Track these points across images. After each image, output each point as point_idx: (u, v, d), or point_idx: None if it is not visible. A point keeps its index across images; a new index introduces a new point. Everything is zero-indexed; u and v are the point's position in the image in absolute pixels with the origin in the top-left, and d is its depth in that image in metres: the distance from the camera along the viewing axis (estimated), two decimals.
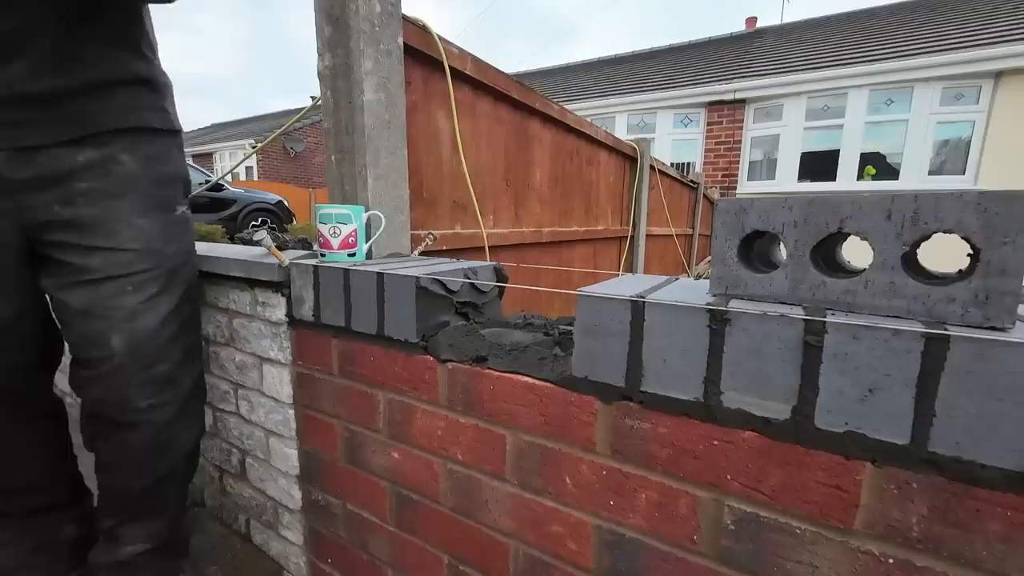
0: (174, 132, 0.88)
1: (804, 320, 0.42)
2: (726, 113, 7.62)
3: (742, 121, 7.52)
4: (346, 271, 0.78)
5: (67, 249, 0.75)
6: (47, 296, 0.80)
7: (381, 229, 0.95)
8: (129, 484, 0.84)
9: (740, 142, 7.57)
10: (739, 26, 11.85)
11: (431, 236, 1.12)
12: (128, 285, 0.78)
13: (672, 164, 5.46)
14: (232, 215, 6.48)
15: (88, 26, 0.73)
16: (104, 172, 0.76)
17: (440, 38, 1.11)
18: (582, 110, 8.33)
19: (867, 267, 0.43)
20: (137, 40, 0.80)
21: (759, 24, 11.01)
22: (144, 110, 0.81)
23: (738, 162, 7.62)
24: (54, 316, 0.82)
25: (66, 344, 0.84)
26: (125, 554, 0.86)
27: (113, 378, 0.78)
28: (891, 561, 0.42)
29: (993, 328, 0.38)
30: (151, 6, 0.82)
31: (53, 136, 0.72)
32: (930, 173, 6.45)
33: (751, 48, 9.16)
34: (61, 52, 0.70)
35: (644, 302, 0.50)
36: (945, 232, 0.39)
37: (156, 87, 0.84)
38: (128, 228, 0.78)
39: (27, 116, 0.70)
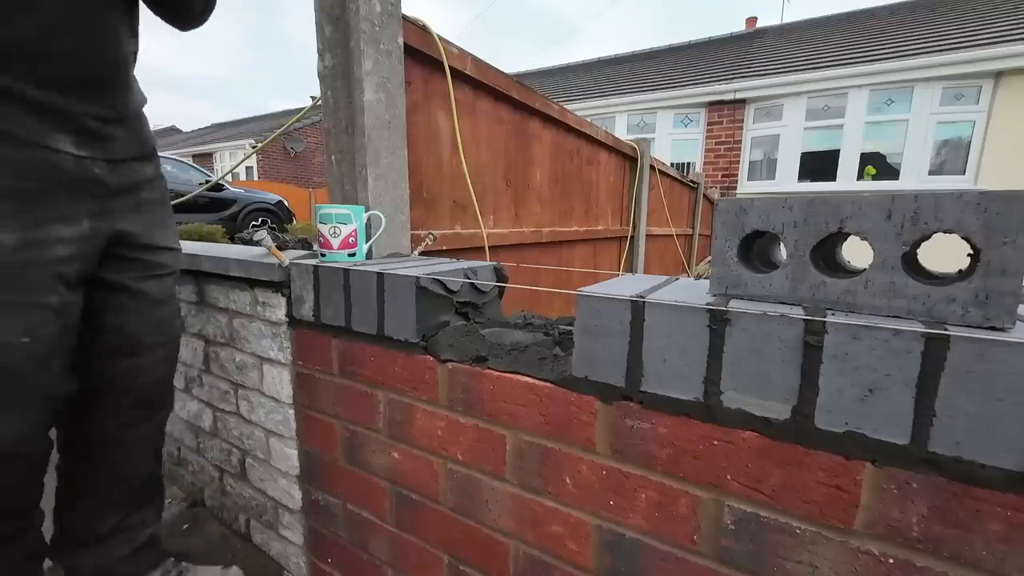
0: None
1: (804, 320, 0.42)
2: (726, 113, 7.62)
3: (742, 121, 7.52)
4: (346, 271, 0.78)
5: (141, 249, 0.87)
6: (117, 289, 0.85)
7: (381, 229, 0.95)
8: (142, 469, 0.92)
9: (740, 142, 7.57)
10: (739, 26, 11.86)
11: (431, 236, 1.12)
12: (176, 277, 0.95)
13: (672, 164, 5.46)
14: (232, 215, 6.47)
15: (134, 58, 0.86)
16: (157, 184, 0.91)
17: (440, 38, 1.11)
18: (582, 110, 8.33)
19: (867, 267, 0.43)
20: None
21: (759, 24, 11.02)
22: (150, 132, 0.93)
23: (738, 162, 7.62)
24: (112, 309, 0.84)
25: (110, 339, 0.85)
26: (143, 538, 0.92)
27: (171, 359, 0.93)
28: (891, 561, 0.42)
29: (993, 328, 0.38)
30: None
31: (127, 151, 0.83)
32: (930, 173, 6.45)
33: (751, 48, 9.16)
34: (133, 80, 0.84)
35: (644, 302, 0.50)
36: (945, 232, 0.39)
37: None
38: (173, 232, 0.94)
39: (117, 133, 0.81)
